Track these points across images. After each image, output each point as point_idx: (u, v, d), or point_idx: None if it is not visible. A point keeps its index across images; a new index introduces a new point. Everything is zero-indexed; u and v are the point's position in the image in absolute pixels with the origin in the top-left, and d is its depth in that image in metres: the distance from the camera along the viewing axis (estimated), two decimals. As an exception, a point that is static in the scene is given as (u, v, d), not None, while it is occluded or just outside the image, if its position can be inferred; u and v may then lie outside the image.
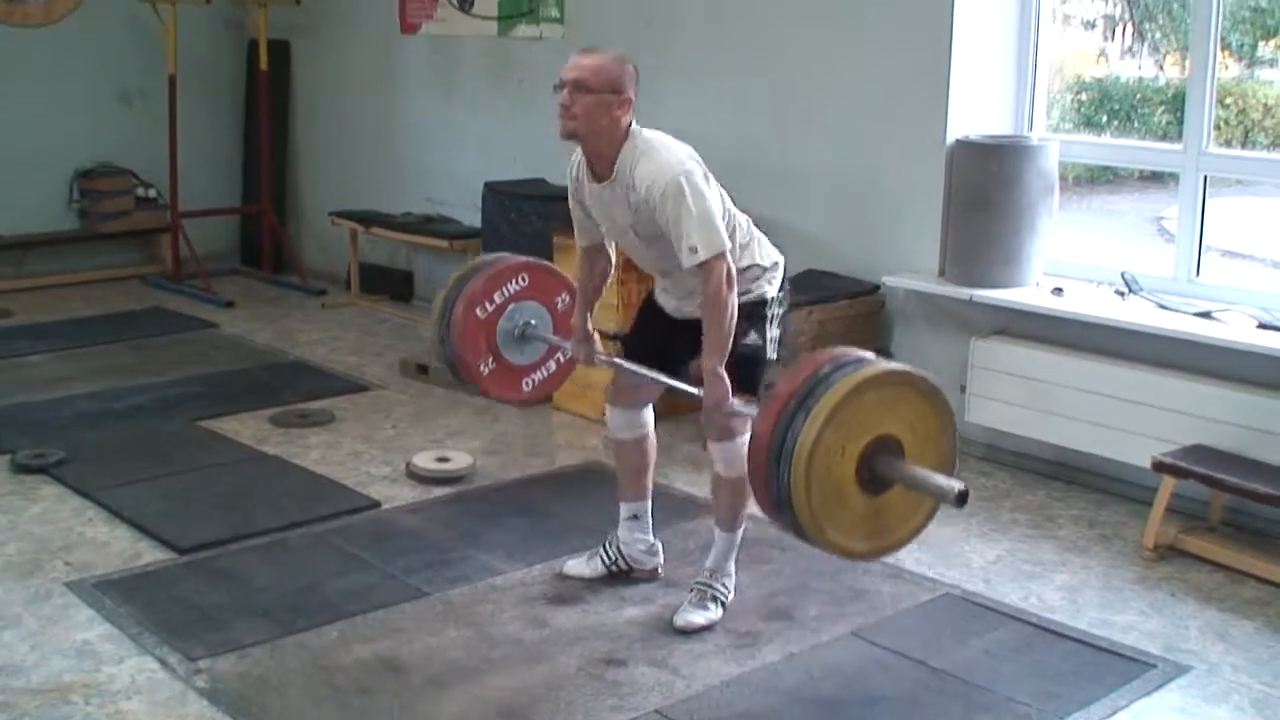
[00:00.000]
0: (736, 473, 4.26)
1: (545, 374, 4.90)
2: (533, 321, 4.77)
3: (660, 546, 4.79)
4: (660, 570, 4.78)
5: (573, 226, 4.62)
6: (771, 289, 4.39)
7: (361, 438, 6.28)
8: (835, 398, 3.57)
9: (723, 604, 4.44)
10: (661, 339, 4.50)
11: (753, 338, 4.30)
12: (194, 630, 4.31)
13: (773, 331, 4.39)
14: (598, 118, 4.15)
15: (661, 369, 4.45)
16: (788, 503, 3.61)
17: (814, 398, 3.59)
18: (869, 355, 3.77)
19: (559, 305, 4.84)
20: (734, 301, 4.09)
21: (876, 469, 3.65)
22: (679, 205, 4.05)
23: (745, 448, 4.17)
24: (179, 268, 9.55)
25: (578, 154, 4.37)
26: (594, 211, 4.40)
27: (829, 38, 6.43)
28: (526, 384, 4.87)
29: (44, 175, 9.58)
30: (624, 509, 4.75)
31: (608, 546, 4.76)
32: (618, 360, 4.56)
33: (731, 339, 4.11)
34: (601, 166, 4.24)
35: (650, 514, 4.76)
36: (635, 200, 4.16)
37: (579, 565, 4.80)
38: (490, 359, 4.74)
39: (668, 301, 4.50)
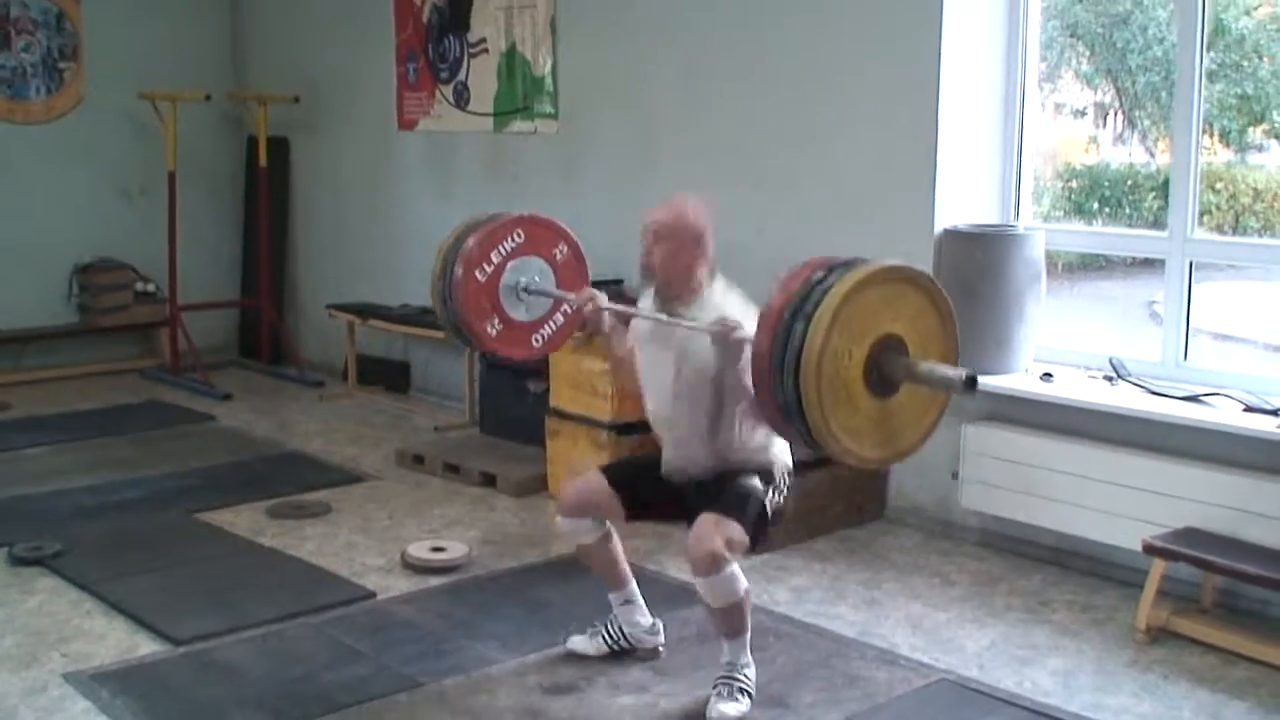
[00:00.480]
0: (726, 602, 4.30)
1: (553, 328, 4.94)
2: (535, 277, 4.83)
3: (661, 625, 4.83)
4: (662, 649, 4.81)
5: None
6: (777, 473, 4.46)
7: (357, 528, 6.30)
8: (836, 299, 3.56)
9: (750, 694, 4.42)
10: (658, 486, 4.57)
11: (757, 483, 4.38)
12: (189, 722, 4.33)
13: (774, 497, 4.44)
14: (675, 263, 4.38)
15: (642, 512, 4.64)
16: (797, 411, 3.61)
17: (812, 302, 3.60)
18: (858, 257, 3.78)
19: (558, 256, 4.90)
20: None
21: (884, 370, 3.66)
22: (730, 302, 4.31)
23: (735, 577, 4.24)
24: (177, 361, 9.61)
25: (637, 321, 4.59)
26: (646, 349, 4.52)
27: (816, 131, 6.52)
28: (536, 340, 4.93)
29: (44, 270, 9.68)
30: (613, 598, 4.80)
31: (610, 626, 4.80)
32: (621, 307, 4.61)
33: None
34: (670, 307, 4.41)
35: (639, 595, 4.80)
36: (696, 348, 4.30)
37: (583, 642, 4.83)
38: (496, 320, 4.79)
39: (672, 458, 4.55)
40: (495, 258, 4.76)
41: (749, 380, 3.95)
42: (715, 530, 4.21)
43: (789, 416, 3.67)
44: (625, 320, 4.67)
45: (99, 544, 5.98)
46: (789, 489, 4.53)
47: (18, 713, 4.37)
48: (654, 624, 4.82)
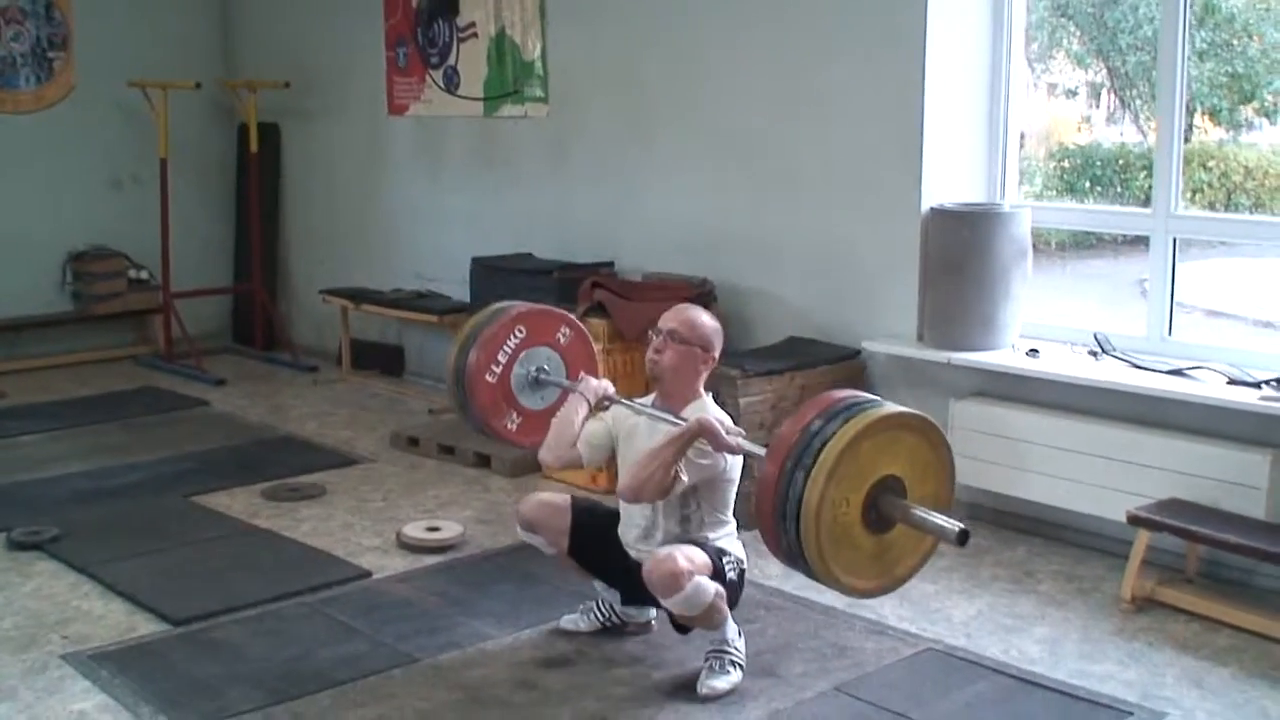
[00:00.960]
0: (698, 609, 4.36)
1: None
2: (545, 367, 4.95)
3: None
4: (654, 624, 4.88)
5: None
6: (732, 566, 4.52)
7: (352, 510, 6.36)
8: (832, 455, 3.72)
9: (740, 667, 4.50)
10: (608, 549, 4.67)
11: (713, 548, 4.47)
12: (189, 700, 4.39)
13: (732, 567, 4.50)
14: (683, 368, 4.50)
15: (581, 557, 4.77)
16: (800, 555, 3.79)
17: (810, 454, 3.75)
18: (857, 399, 3.91)
19: (561, 340, 5.00)
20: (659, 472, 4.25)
21: (881, 509, 3.82)
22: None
23: (699, 590, 4.29)
24: (171, 347, 9.66)
25: (619, 412, 4.70)
26: (632, 444, 4.57)
27: (805, 113, 6.57)
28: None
29: (38, 258, 9.72)
30: (598, 585, 4.87)
31: (600, 602, 4.87)
32: (627, 402, 4.68)
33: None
34: (666, 405, 4.52)
35: None
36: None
37: (575, 620, 4.91)
38: (514, 415, 4.91)
39: (627, 534, 4.63)
40: (502, 357, 4.89)
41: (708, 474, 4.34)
42: (674, 553, 4.30)
43: (793, 559, 3.87)
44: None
45: (96, 528, 6.04)
46: (740, 581, 4.58)
47: (18, 693, 4.43)
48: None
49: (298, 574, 5.48)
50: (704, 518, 4.50)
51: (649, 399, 4.67)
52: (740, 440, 4.26)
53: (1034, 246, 6.11)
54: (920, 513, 3.83)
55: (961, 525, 3.76)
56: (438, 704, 4.35)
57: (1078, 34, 7.79)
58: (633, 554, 4.56)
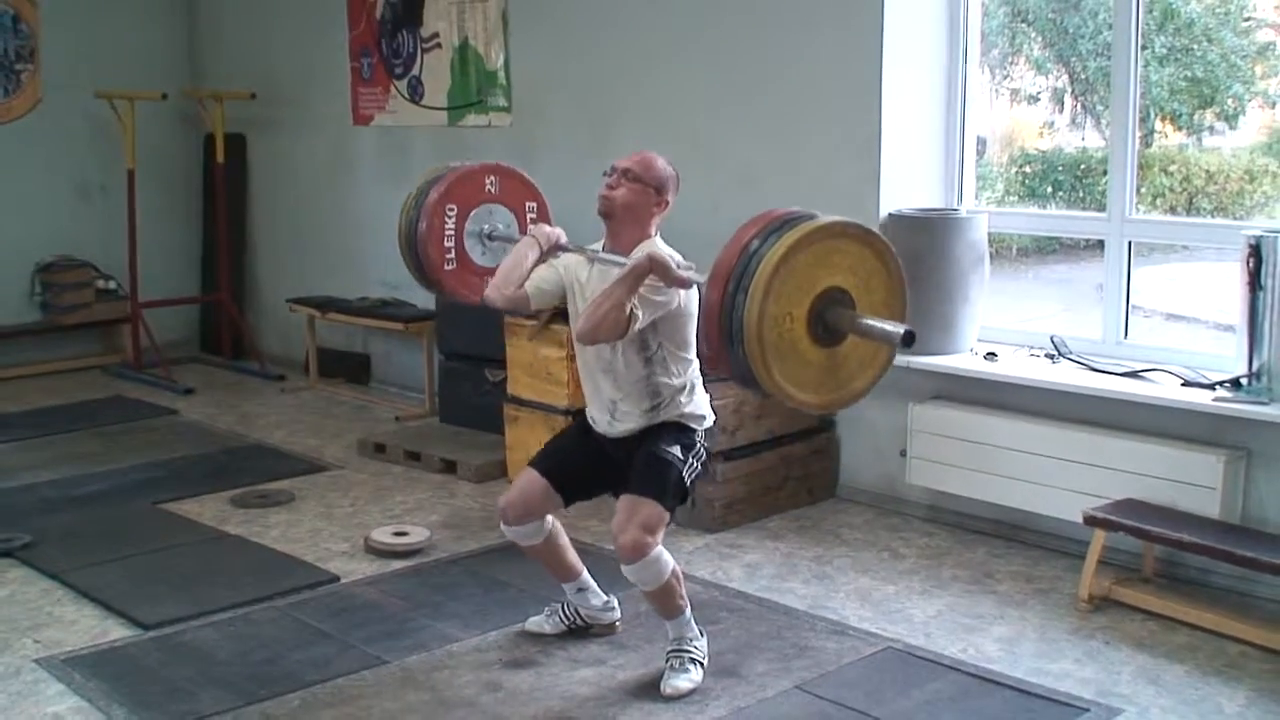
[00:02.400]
0: (654, 585, 4.45)
1: None
2: (500, 226, 5.01)
3: (616, 601, 4.97)
4: (618, 625, 4.96)
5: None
6: (699, 428, 4.58)
7: (321, 515, 6.42)
8: (766, 272, 3.68)
9: (701, 665, 4.56)
10: (587, 461, 4.70)
11: (677, 451, 4.48)
12: (160, 702, 4.44)
13: (693, 464, 4.53)
14: (636, 206, 4.48)
15: (580, 494, 4.77)
16: (750, 377, 3.77)
17: (748, 275, 3.71)
18: (794, 214, 3.86)
19: (527, 212, 5.06)
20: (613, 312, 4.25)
21: (828, 322, 3.79)
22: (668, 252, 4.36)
23: (662, 558, 4.39)
24: (139, 357, 9.69)
25: (569, 259, 4.67)
26: (584, 294, 4.56)
27: (766, 119, 6.65)
28: (488, 284, 4.98)
29: (5, 269, 9.74)
30: (567, 588, 4.93)
31: (566, 605, 4.94)
32: (576, 247, 4.68)
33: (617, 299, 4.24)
34: (617, 248, 4.51)
35: (591, 580, 4.94)
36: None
37: (539, 622, 4.97)
38: (453, 257, 4.95)
39: (599, 419, 4.65)
40: (467, 199, 4.96)
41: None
42: (633, 516, 4.37)
43: (747, 382, 3.83)
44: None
45: (67, 535, 6.08)
46: (708, 450, 4.62)
47: (-8, 696, 4.50)
48: (608, 601, 4.96)
49: (267, 579, 5.53)
50: (665, 356, 4.46)
51: (599, 245, 4.64)
52: (690, 273, 4.22)
53: (996, 252, 6.20)
54: (865, 320, 3.79)
55: (907, 327, 3.74)
56: (406, 705, 4.41)
57: (1038, 40, 7.88)
58: (611, 431, 4.59)
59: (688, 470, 4.49)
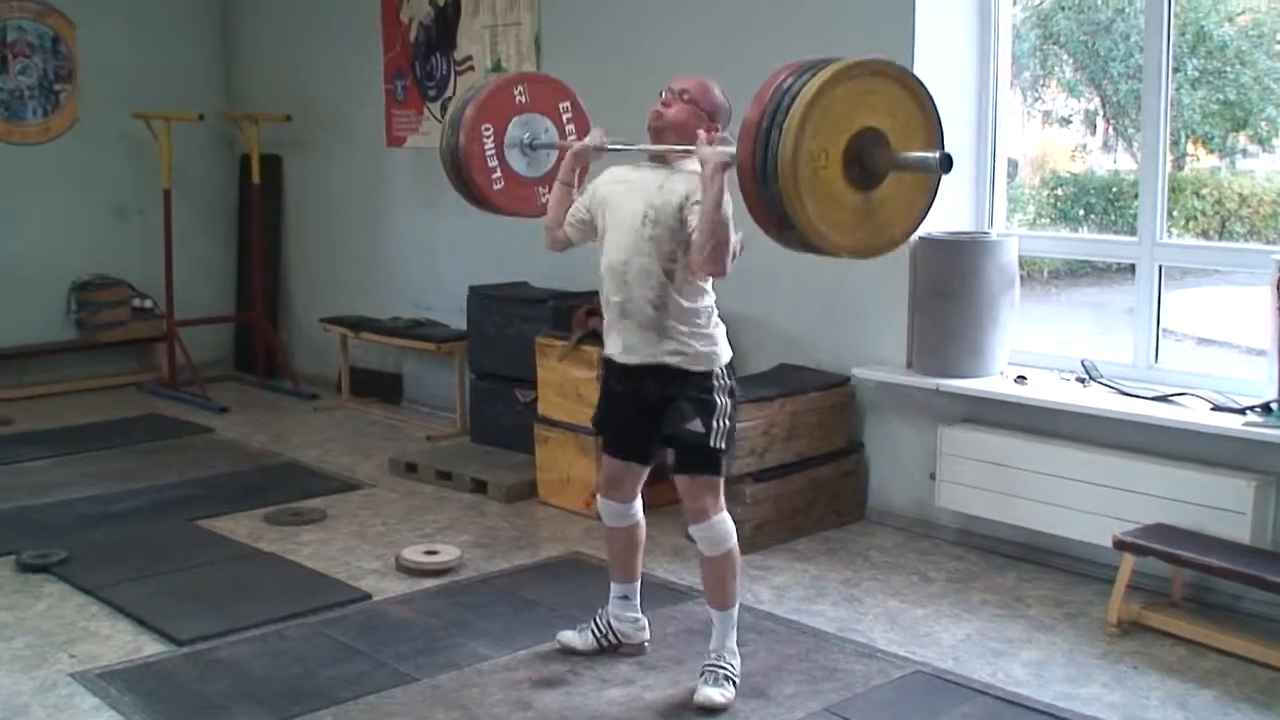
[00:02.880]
0: (719, 550, 4.56)
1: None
2: (539, 134, 5.04)
3: (647, 622, 5.01)
4: (647, 645, 4.99)
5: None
6: (714, 377, 4.57)
7: (353, 534, 6.47)
8: (803, 103, 3.68)
9: (734, 682, 4.60)
10: (631, 424, 4.72)
11: (698, 426, 4.50)
12: (194, 717, 4.49)
13: (721, 424, 4.55)
14: (686, 127, 4.50)
15: (639, 455, 4.77)
16: (786, 219, 3.76)
17: (782, 111, 3.72)
18: (830, 57, 3.86)
19: (562, 112, 5.08)
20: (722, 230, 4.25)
21: (864, 162, 3.79)
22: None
23: (724, 524, 4.50)
24: (174, 375, 9.77)
25: (610, 172, 4.71)
26: (614, 201, 4.59)
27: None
28: (542, 194, 5.06)
29: (43, 288, 9.84)
30: (615, 589, 4.98)
31: (598, 620, 4.98)
32: (622, 146, 4.73)
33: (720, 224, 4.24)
34: (659, 160, 4.57)
35: (639, 594, 4.99)
36: (672, 184, 4.44)
37: (572, 637, 5.00)
38: (499, 175, 4.98)
39: (615, 345, 4.65)
40: (500, 113, 4.98)
41: (711, 222, 4.22)
42: (693, 488, 4.54)
43: (782, 225, 3.82)
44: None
45: (103, 551, 6.14)
46: (732, 389, 4.62)
47: (29, 709, 4.54)
48: (641, 620, 5.00)
49: (300, 596, 5.58)
50: (688, 277, 4.47)
51: (607, 174, 4.71)
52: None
53: (1028, 275, 6.21)
54: (899, 154, 3.80)
55: (942, 151, 3.76)
56: (436, 723, 4.46)
57: (1070, 62, 7.89)
58: (623, 356, 4.61)
59: (719, 435, 4.53)
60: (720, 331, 4.62)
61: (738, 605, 4.68)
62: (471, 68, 8.50)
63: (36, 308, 9.81)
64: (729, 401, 4.58)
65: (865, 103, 3.81)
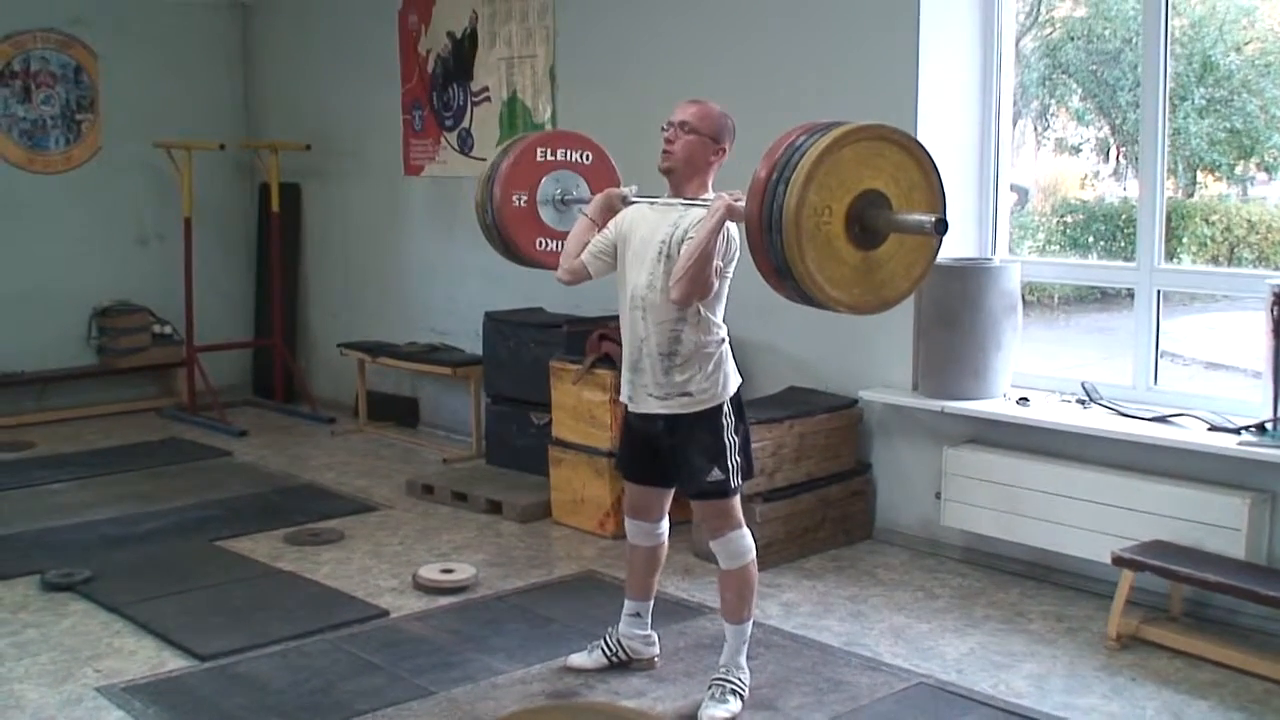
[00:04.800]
0: (738, 563, 4.72)
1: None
2: (570, 189, 5.22)
3: (657, 638, 5.13)
4: (657, 660, 5.11)
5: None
6: (726, 396, 4.70)
7: (370, 553, 6.59)
8: (811, 159, 3.83)
9: (741, 697, 4.72)
10: (647, 455, 4.88)
11: (715, 474, 4.66)
12: (217, 728, 4.63)
13: (735, 458, 4.70)
14: (695, 158, 4.65)
15: (660, 480, 4.92)
16: (787, 269, 3.90)
17: (791, 166, 3.87)
18: (840, 121, 4.01)
19: (585, 162, 5.28)
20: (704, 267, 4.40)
21: (865, 222, 3.92)
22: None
23: (743, 539, 4.66)
24: (194, 400, 9.91)
25: (633, 209, 4.85)
26: (638, 234, 4.72)
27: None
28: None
29: (64, 314, 10.01)
30: (628, 605, 5.10)
31: (608, 639, 5.10)
32: (645, 199, 4.85)
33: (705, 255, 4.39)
34: (674, 193, 4.71)
35: (650, 613, 5.11)
36: (689, 218, 4.57)
37: (582, 658, 5.12)
38: (544, 238, 5.18)
39: (626, 393, 4.81)
40: (528, 181, 5.18)
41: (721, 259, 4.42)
42: (709, 512, 4.73)
43: (781, 274, 3.97)
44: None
45: (126, 570, 6.27)
46: (742, 415, 4.78)
47: (56, 721, 4.69)
48: (651, 636, 5.12)
49: (319, 613, 5.71)
50: (699, 309, 4.58)
51: (630, 212, 4.86)
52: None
53: (1037, 301, 6.31)
54: (899, 214, 3.93)
55: (937, 215, 3.88)
56: (453, 733, 4.59)
57: (1079, 91, 7.99)
58: (638, 405, 4.75)
59: (735, 474, 4.70)
60: (730, 363, 4.75)
61: (751, 621, 4.81)
62: (488, 98, 8.66)
63: (58, 334, 9.98)
64: (738, 439, 4.73)
65: (871, 165, 3.96)
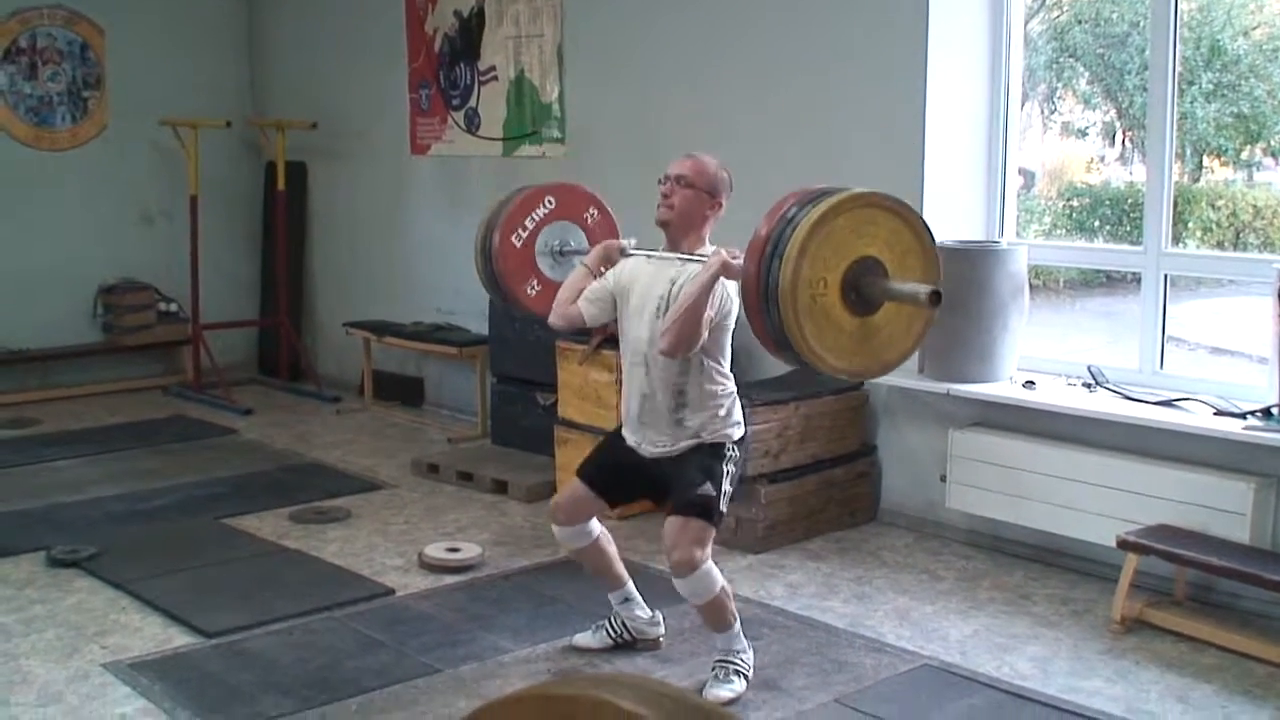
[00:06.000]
0: (705, 599, 4.67)
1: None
2: (569, 241, 5.23)
3: (661, 617, 5.15)
4: (662, 640, 5.13)
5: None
6: (729, 450, 4.72)
7: (376, 532, 6.62)
8: (802, 234, 3.86)
9: (745, 676, 4.75)
10: (627, 468, 4.87)
11: (709, 489, 4.64)
12: (224, 705, 4.64)
13: (727, 492, 4.71)
14: (691, 212, 4.68)
15: (625, 500, 5.05)
16: (785, 341, 3.93)
17: (784, 240, 3.90)
18: (833, 187, 4.04)
19: (589, 220, 5.29)
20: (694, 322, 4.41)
21: (860, 291, 3.95)
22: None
23: (709, 575, 4.61)
24: (199, 378, 9.93)
25: (632, 262, 4.86)
26: (637, 288, 4.75)
27: (809, 157, 6.81)
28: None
29: (70, 291, 10.03)
30: (613, 597, 5.12)
31: (613, 620, 5.12)
32: (642, 252, 4.87)
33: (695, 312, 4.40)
34: (671, 247, 4.73)
35: (637, 592, 5.12)
36: (687, 273, 4.58)
37: (587, 638, 5.14)
38: (535, 282, 5.18)
39: (631, 424, 4.83)
40: (530, 224, 5.17)
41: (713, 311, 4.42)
42: (682, 536, 4.58)
43: (780, 345, 4.00)
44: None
45: (132, 547, 6.29)
46: (743, 461, 4.81)
47: (64, 697, 4.70)
48: (654, 616, 5.14)
49: (325, 591, 5.73)
50: (703, 361, 4.61)
51: (629, 263, 4.88)
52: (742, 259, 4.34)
53: (1043, 285, 6.31)
54: (894, 283, 3.95)
55: (931, 287, 3.89)
56: (458, 711, 4.57)
57: (1086, 75, 7.99)
58: (642, 449, 4.77)
59: (724, 499, 4.68)
60: (739, 412, 4.77)
61: (738, 621, 4.80)
62: (495, 77, 8.65)
63: (64, 311, 10.00)
64: (735, 470, 4.75)
65: (865, 232, 3.99)
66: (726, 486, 4.69)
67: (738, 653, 4.77)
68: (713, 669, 4.75)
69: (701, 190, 4.68)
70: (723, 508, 4.69)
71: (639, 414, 4.75)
